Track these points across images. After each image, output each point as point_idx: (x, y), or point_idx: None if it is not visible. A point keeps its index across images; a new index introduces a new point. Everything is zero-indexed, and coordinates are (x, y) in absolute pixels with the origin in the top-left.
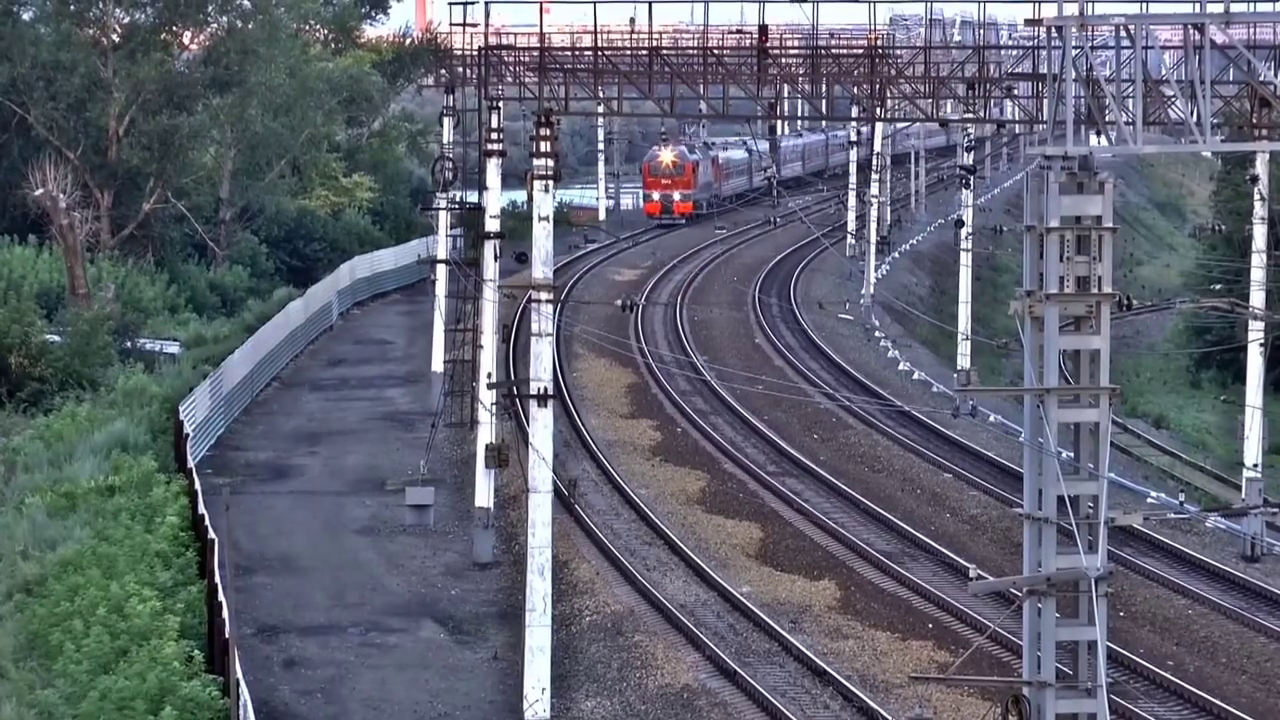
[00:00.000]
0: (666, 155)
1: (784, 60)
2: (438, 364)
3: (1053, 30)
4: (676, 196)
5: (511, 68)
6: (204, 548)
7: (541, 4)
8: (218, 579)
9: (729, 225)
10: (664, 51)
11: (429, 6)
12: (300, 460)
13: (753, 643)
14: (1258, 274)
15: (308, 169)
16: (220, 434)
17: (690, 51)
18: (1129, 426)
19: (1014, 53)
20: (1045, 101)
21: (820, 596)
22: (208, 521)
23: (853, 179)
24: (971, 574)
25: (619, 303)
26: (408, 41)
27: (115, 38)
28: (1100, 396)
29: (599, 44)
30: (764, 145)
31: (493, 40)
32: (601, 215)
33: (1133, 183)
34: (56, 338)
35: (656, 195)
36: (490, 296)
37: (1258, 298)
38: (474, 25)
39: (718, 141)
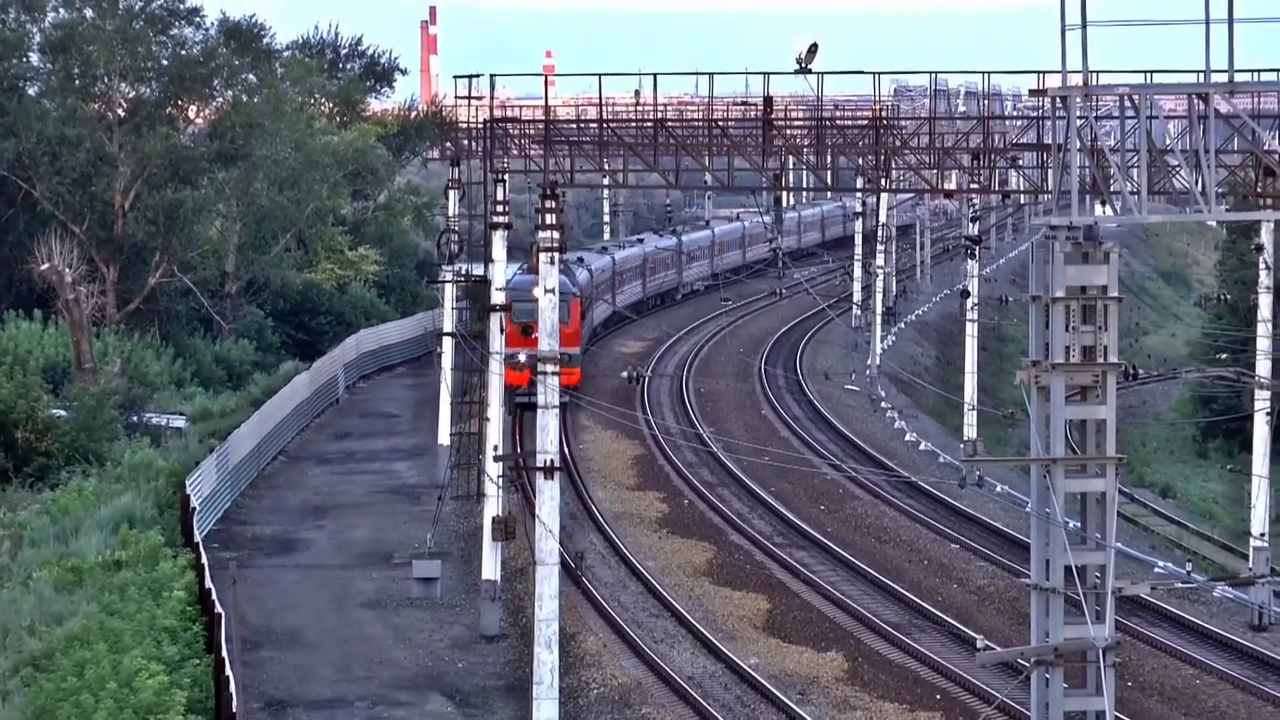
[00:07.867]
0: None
1: (789, 131)
2: (444, 437)
3: (1057, 100)
4: None
5: (517, 140)
6: (211, 622)
7: (546, 77)
8: (225, 653)
9: (734, 296)
10: (669, 123)
11: (434, 80)
12: (307, 534)
13: (760, 715)
14: (1263, 343)
15: (313, 242)
16: (227, 508)
17: (695, 123)
18: (1136, 496)
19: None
20: (1050, 171)
21: (828, 668)
22: (214, 595)
23: (858, 249)
24: (979, 644)
25: (625, 374)
26: (413, 114)
27: (120, 112)
28: (1107, 466)
29: (604, 116)
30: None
31: (498, 113)
32: None
33: (1138, 252)
34: (63, 412)
35: (524, 357)
36: (496, 369)
37: (1263, 367)
38: (479, 98)
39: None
